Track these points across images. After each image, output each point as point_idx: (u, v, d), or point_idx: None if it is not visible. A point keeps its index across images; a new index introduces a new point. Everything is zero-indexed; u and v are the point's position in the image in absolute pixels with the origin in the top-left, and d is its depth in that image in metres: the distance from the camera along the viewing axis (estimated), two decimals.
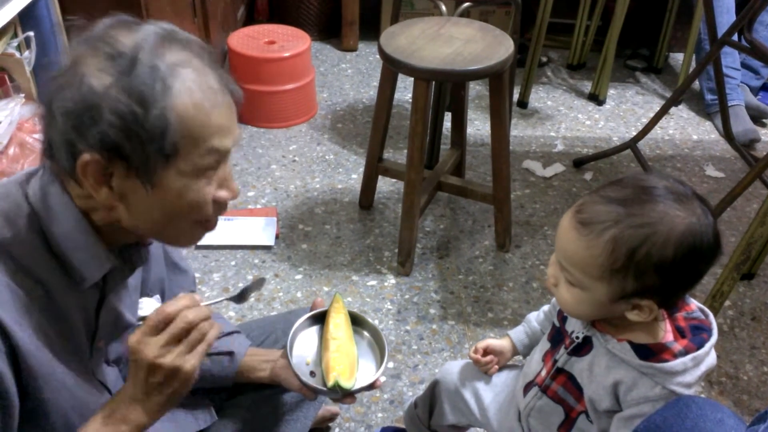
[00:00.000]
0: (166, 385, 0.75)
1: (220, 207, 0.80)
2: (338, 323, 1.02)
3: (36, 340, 0.74)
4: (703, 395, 1.57)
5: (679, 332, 0.89)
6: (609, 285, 0.82)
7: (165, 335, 0.74)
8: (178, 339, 0.75)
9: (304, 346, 1.02)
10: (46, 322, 0.75)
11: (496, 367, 1.13)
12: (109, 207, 0.75)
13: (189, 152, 0.72)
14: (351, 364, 0.98)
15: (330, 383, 0.94)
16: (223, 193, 0.79)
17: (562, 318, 0.99)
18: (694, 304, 0.92)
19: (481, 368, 1.13)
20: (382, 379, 1.00)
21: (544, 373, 0.99)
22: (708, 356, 0.86)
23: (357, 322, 1.05)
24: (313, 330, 1.05)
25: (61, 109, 0.69)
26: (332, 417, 1.45)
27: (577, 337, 0.93)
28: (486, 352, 1.12)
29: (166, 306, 0.75)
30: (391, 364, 1.61)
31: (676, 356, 0.85)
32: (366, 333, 1.05)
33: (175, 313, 0.75)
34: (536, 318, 1.13)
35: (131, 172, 0.72)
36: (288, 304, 1.77)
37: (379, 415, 1.49)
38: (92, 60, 0.69)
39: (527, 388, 1.03)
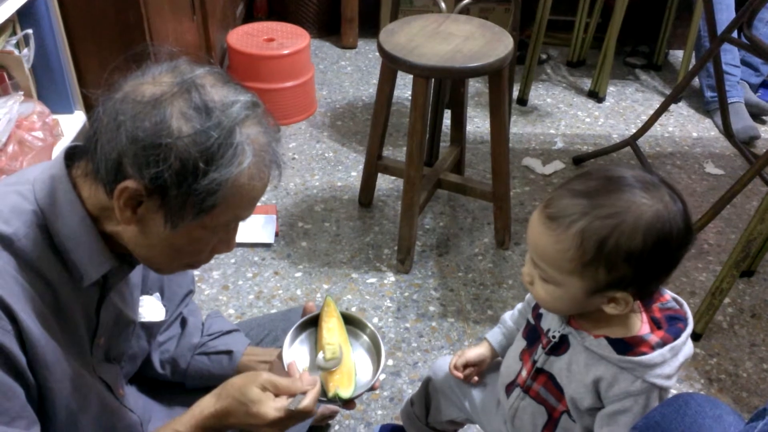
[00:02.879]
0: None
1: (211, 256, 0.84)
2: (331, 328, 1.01)
3: (42, 331, 0.75)
4: (702, 392, 1.57)
5: (655, 323, 0.89)
6: (582, 279, 0.82)
7: (289, 420, 0.85)
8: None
9: (299, 354, 1.00)
10: (50, 315, 0.76)
11: (476, 378, 1.11)
12: (124, 223, 0.76)
13: (220, 214, 0.76)
14: (348, 371, 0.97)
15: (330, 394, 0.93)
16: (221, 248, 0.83)
17: (537, 315, 0.99)
18: (668, 294, 0.91)
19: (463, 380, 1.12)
20: (382, 377, 1.00)
21: (524, 373, 0.98)
22: (685, 346, 0.86)
23: (350, 322, 1.04)
24: (307, 336, 1.03)
25: (131, 133, 0.70)
26: (332, 415, 1.45)
27: (554, 337, 0.92)
28: (466, 365, 1.10)
29: (307, 404, 0.86)
30: (390, 362, 1.61)
31: (653, 348, 0.85)
32: (360, 333, 1.04)
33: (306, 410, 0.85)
34: (511, 317, 1.12)
35: (162, 210, 0.74)
36: (288, 301, 1.77)
37: (379, 412, 1.49)
38: (180, 103, 0.71)
39: (509, 388, 1.02)
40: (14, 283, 0.72)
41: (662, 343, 0.85)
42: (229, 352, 1.11)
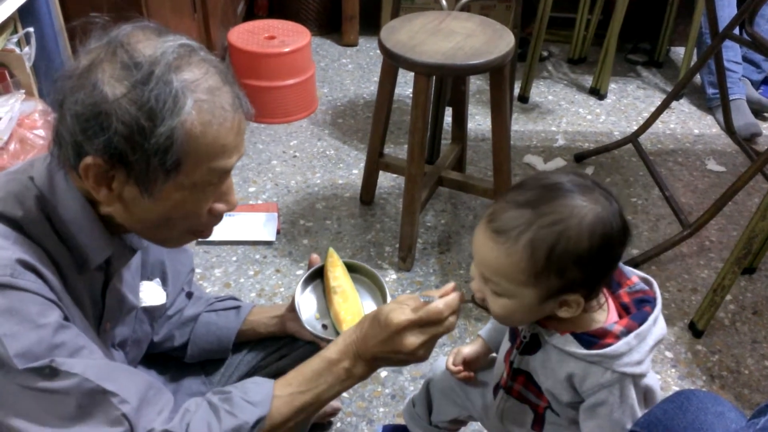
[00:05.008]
0: (400, 363, 0.86)
1: (216, 218, 0.82)
2: (337, 275, 1.05)
3: (67, 308, 0.76)
4: (704, 389, 1.57)
5: (625, 309, 0.89)
6: (535, 288, 0.82)
7: (429, 337, 0.84)
8: (435, 340, 0.85)
9: (309, 302, 1.06)
10: (66, 299, 0.77)
11: (472, 374, 1.12)
12: (107, 203, 0.76)
13: (191, 170, 0.73)
14: (358, 310, 1.01)
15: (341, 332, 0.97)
16: (219, 206, 0.81)
17: None
18: (635, 276, 0.91)
19: (458, 380, 1.13)
20: None
21: (505, 374, 0.99)
22: (654, 327, 0.86)
23: (354, 269, 1.09)
24: (314, 286, 1.08)
25: (72, 111, 0.70)
26: (334, 412, 1.46)
27: (525, 337, 0.93)
28: (463, 362, 1.11)
29: (441, 308, 0.84)
30: None
31: (618, 338, 0.84)
32: (364, 278, 1.09)
33: (442, 317, 0.84)
34: None
35: (131, 179, 0.73)
36: (289, 299, 1.77)
37: (381, 409, 1.50)
38: (108, 66, 0.69)
39: (495, 390, 1.03)
40: (35, 253, 0.73)
41: (627, 331, 0.85)
42: (236, 308, 1.13)
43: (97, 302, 0.85)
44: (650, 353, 0.86)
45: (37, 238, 0.75)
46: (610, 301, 0.90)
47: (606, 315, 0.88)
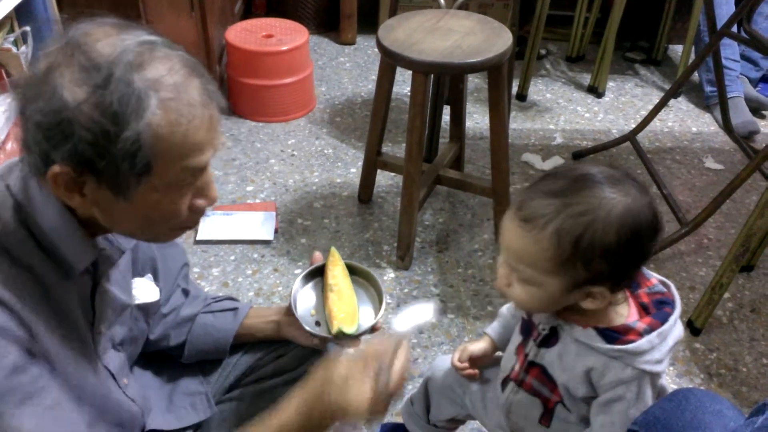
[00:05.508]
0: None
1: (198, 213, 0.79)
2: (336, 274, 1.06)
3: (41, 326, 0.74)
4: (702, 387, 1.57)
5: (644, 309, 0.89)
6: (561, 277, 0.82)
7: (385, 397, 0.81)
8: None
9: (307, 298, 1.07)
10: (46, 311, 0.75)
11: (477, 372, 1.12)
12: (84, 209, 0.74)
13: (163, 170, 0.70)
14: (352, 310, 1.02)
15: (334, 330, 0.98)
16: (200, 202, 0.78)
17: None
18: (654, 278, 0.92)
19: (463, 377, 1.13)
20: (382, 321, 1.05)
21: (517, 367, 0.99)
22: (674, 328, 0.87)
23: (354, 272, 1.10)
24: (314, 283, 1.09)
25: (33, 120, 0.67)
26: None
27: (544, 329, 0.93)
28: (469, 359, 1.11)
29: (394, 364, 0.81)
30: None
31: (641, 335, 0.85)
32: (364, 281, 1.10)
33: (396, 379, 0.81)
34: (508, 309, 1.13)
35: (102, 184, 0.70)
36: (287, 298, 1.76)
37: None
38: (66, 70, 0.66)
39: (504, 383, 1.03)
40: (7, 278, 0.71)
41: (650, 329, 0.85)
42: (234, 309, 1.12)
43: (87, 307, 0.83)
44: (669, 354, 0.87)
45: (15, 252, 0.72)
46: (631, 300, 0.90)
47: (627, 313, 0.89)
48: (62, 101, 0.65)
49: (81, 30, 0.68)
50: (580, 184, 0.82)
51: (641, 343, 0.84)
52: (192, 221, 0.80)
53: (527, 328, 0.99)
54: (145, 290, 0.99)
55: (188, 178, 0.74)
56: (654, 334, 0.85)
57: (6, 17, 1.58)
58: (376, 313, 1.03)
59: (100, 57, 0.66)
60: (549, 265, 0.82)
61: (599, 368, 0.87)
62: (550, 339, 0.93)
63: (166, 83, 0.68)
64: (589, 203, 0.80)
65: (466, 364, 1.11)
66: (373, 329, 1.01)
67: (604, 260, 0.81)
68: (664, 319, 0.86)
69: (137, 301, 0.97)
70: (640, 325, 0.86)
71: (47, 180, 0.70)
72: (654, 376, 0.87)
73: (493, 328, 1.13)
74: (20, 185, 0.74)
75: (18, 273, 0.73)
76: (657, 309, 0.89)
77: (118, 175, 0.69)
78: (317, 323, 1.03)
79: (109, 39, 0.68)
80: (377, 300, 1.06)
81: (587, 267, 0.81)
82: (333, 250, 1.10)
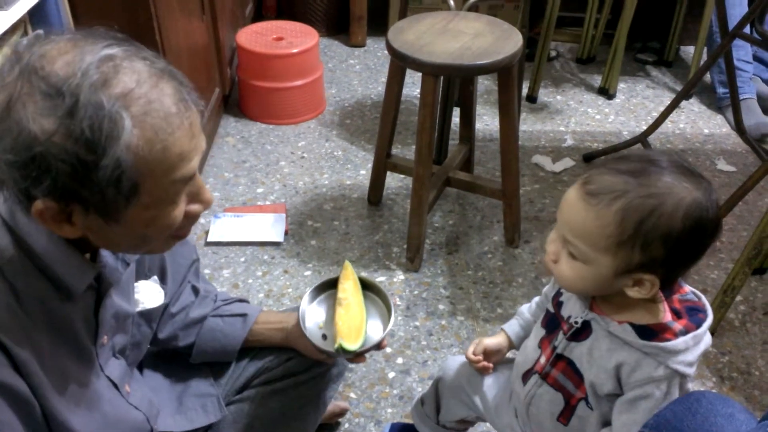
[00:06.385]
0: None
1: (193, 219, 0.77)
2: (346, 288, 1.07)
3: (40, 357, 0.73)
4: (714, 390, 1.56)
5: (676, 314, 0.89)
6: (615, 257, 0.82)
7: None
8: None
9: (317, 311, 1.07)
10: (46, 335, 0.74)
11: (492, 367, 1.12)
12: (76, 235, 0.71)
13: (152, 188, 0.67)
14: (357, 326, 1.02)
15: (335, 346, 0.99)
16: (195, 207, 0.76)
17: (557, 303, 0.99)
18: (687, 287, 0.92)
19: (477, 370, 1.13)
20: (388, 339, 1.05)
21: (543, 360, 0.98)
22: (705, 335, 0.87)
23: (367, 287, 1.10)
24: (326, 296, 1.10)
25: (4, 160, 0.62)
26: (342, 412, 1.46)
27: (576, 322, 0.93)
28: (484, 353, 1.12)
29: None
30: (400, 360, 1.61)
31: (677, 335, 0.85)
32: (375, 297, 1.10)
33: None
34: (529, 309, 1.13)
35: (90, 211, 0.67)
36: (297, 300, 1.77)
37: (389, 410, 1.50)
38: (29, 100, 0.61)
39: (526, 376, 1.02)
40: (5, 312, 0.69)
41: (685, 331, 0.85)
42: (243, 315, 1.12)
43: (90, 321, 0.81)
44: (698, 359, 0.87)
45: (15, 278, 0.70)
46: (664, 303, 0.90)
47: (663, 313, 0.89)
48: (31, 136, 0.61)
49: (35, 53, 0.63)
50: (653, 169, 0.81)
51: (677, 342, 0.84)
52: (186, 229, 0.78)
53: (553, 323, 0.99)
54: (149, 295, 0.97)
55: (179, 189, 0.71)
56: (689, 336, 0.85)
57: (19, 20, 1.60)
58: (384, 328, 1.03)
59: (61, 81, 0.61)
60: (606, 243, 0.81)
61: (631, 363, 0.87)
62: (581, 333, 0.93)
63: (136, 97, 0.64)
64: (660, 188, 0.79)
65: (480, 357, 1.11)
66: (378, 346, 1.02)
67: (663, 246, 0.80)
68: (698, 324, 0.87)
69: (140, 308, 0.96)
70: (677, 326, 0.86)
71: (32, 215, 0.67)
72: (683, 379, 0.86)
73: (510, 326, 1.13)
74: (8, 212, 0.71)
75: (13, 296, 0.70)
76: (689, 315, 0.89)
77: (105, 201, 0.66)
78: (324, 336, 1.03)
79: (66, 57, 0.63)
80: (387, 316, 1.06)
81: (644, 250, 0.80)
82: (347, 263, 1.11)
